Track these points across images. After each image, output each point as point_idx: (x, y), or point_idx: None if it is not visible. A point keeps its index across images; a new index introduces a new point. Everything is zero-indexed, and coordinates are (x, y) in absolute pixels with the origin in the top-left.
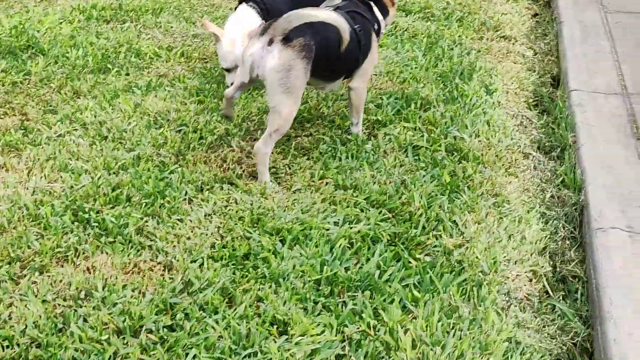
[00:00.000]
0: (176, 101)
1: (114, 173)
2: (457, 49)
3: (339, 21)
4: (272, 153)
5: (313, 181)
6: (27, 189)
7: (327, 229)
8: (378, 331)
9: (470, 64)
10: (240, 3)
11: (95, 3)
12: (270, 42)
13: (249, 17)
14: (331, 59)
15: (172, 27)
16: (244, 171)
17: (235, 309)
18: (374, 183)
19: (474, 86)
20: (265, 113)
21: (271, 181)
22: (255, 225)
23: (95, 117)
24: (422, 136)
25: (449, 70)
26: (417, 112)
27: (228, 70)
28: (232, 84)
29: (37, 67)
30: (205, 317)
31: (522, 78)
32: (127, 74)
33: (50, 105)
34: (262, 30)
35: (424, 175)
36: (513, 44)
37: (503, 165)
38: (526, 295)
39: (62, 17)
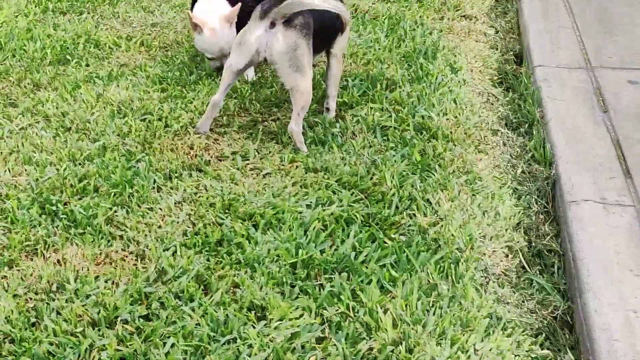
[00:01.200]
0: (139, 90)
1: (79, 164)
2: (419, 30)
3: (339, 6)
4: (240, 138)
5: (283, 165)
6: None
7: (300, 212)
8: (357, 312)
9: (434, 43)
10: None
11: None
12: (272, 25)
13: (218, 4)
14: (325, 31)
15: (130, 16)
16: (212, 157)
17: (211, 296)
18: (345, 165)
19: (438, 65)
20: (229, 98)
21: (238, 169)
22: (226, 211)
23: (57, 108)
24: (390, 116)
25: (413, 50)
26: (383, 92)
27: (212, 59)
28: (216, 68)
29: None
30: (181, 305)
31: (485, 56)
32: (87, 65)
33: (10, 99)
34: (262, 14)
35: (394, 155)
36: (474, 22)
37: (472, 142)
38: (503, 271)
39: (18, 11)
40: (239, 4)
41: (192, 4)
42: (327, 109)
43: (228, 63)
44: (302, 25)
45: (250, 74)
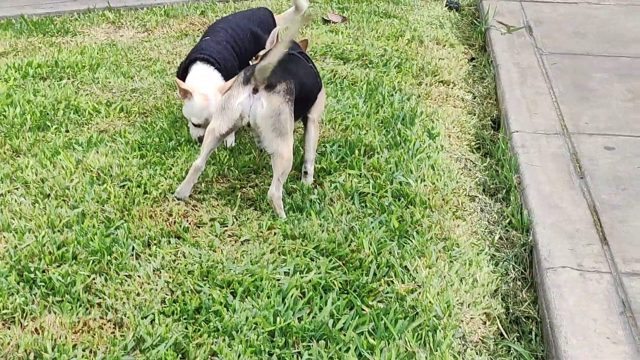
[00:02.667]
0: (118, 156)
1: (58, 231)
2: (397, 95)
3: (292, 31)
4: (219, 205)
5: (261, 232)
6: None
7: (278, 280)
8: None
9: (411, 109)
10: (191, 62)
11: (31, 61)
12: (255, 91)
13: (209, 74)
14: (305, 96)
15: (110, 82)
16: (190, 224)
17: None
18: (323, 231)
19: (416, 131)
20: (208, 165)
21: (217, 235)
22: (205, 278)
23: (36, 175)
24: (368, 183)
25: (391, 116)
26: (362, 158)
27: (199, 125)
28: (199, 138)
29: None
30: None
31: (463, 122)
32: (67, 131)
33: None
34: (245, 80)
35: (372, 222)
36: (452, 88)
37: (450, 208)
38: (481, 338)
39: None
40: (235, 77)
41: (179, 73)
42: (305, 173)
43: (210, 127)
44: (286, 90)
45: (229, 140)
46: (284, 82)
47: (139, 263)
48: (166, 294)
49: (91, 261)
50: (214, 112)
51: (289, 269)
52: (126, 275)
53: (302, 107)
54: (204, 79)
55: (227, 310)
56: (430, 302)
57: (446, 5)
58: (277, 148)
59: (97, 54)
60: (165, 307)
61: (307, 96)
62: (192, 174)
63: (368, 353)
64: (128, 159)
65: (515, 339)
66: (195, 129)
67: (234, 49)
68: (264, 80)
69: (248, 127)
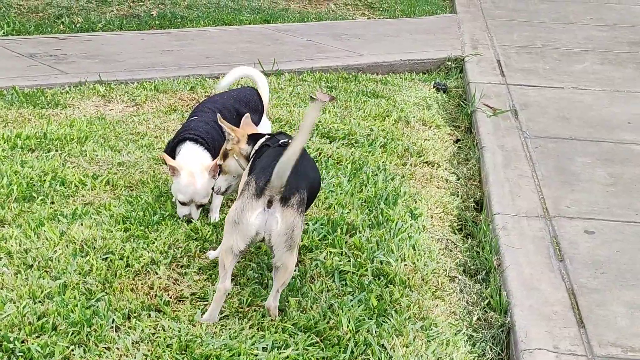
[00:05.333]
0: (102, 229)
1: (39, 301)
2: (381, 175)
3: (306, 127)
4: (200, 280)
5: (241, 307)
6: None
7: (256, 355)
8: None
9: (395, 189)
10: (180, 141)
11: (20, 132)
12: (270, 204)
13: (198, 153)
14: (310, 197)
15: (97, 155)
16: (171, 298)
17: None
18: (301, 308)
19: (399, 211)
20: (190, 239)
21: (198, 310)
22: (183, 352)
23: (20, 245)
24: (349, 261)
25: (374, 195)
26: (343, 237)
27: (184, 203)
28: (183, 216)
29: None
30: None
31: (446, 202)
32: (53, 203)
33: None
34: (258, 191)
35: (351, 300)
36: (436, 169)
37: (429, 288)
38: None
39: None
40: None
41: (167, 150)
42: None
43: (227, 245)
44: (299, 202)
45: (213, 216)
46: (296, 192)
47: (118, 335)
48: None
49: (71, 332)
50: (200, 190)
51: (267, 345)
52: (105, 347)
53: (307, 207)
54: (193, 158)
55: None
56: None
57: (434, 87)
58: (285, 261)
59: (86, 126)
60: None
61: (314, 196)
62: (221, 298)
63: None
64: (112, 231)
65: None
66: (181, 208)
67: (221, 129)
68: (280, 190)
69: (261, 242)
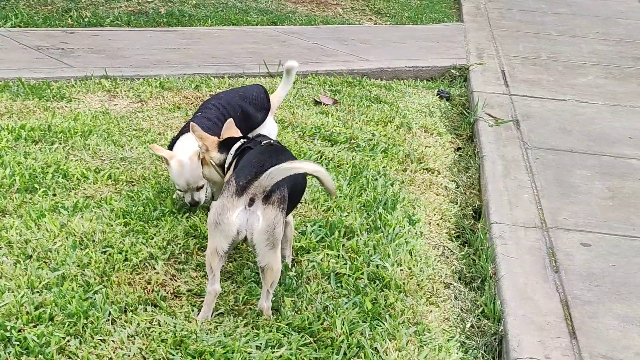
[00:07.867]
0: (102, 222)
1: (37, 292)
2: (381, 180)
3: (322, 172)
4: (197, 276)
5: (237, 305)
6: None
7: (249, 353)
8: None
9: (394, 194)
10: (180, 136)
11: (25, 124)
12: (251, 202)
13: (191, 143)
14: (293, 200)
15: (100, 149)
16: (168, 293)
17: None
18: (296, 308)
19: (397, 216)
20: (189, 236)
21: (194, 306)
22: (178, 347)
23: (20, 236)
24: (345, 264)
25: (373, 200)
26: (341, 240)
27: (183, 190)
28: (189, 202)
29: None
30: None
31: (444, 210)
32: (54, 195)
33: None
34: (240, 189)
35: (346, 302)
36: (436, 176)
37: (424, 294)
38: None
39: None
40: (225, 184)
41: (170, 146)
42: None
43: (212, 248)
44: (280, 200)
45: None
46: (277, 190)
47: (114, 328)
48: None
49: (67, 323)
50: (190, 177)
51: (260, 343)
52: (100, 340)
53: (290, 208)
54: (184, 147)
55: None
56: None
57: (437, 94)
58: (269, 261)
59: (90, 121)
60: None
61: (297, 198)
62: (212, 301)
63: None
64: (112, 225)
65: None
66: (183, 195)
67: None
68: (264, 191)
69: (244, 242)
